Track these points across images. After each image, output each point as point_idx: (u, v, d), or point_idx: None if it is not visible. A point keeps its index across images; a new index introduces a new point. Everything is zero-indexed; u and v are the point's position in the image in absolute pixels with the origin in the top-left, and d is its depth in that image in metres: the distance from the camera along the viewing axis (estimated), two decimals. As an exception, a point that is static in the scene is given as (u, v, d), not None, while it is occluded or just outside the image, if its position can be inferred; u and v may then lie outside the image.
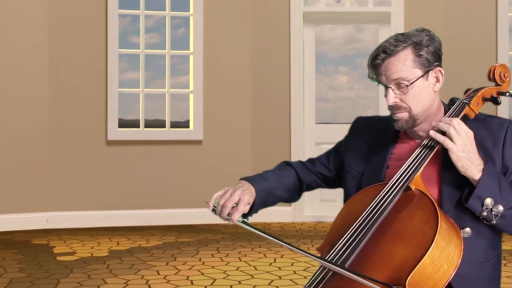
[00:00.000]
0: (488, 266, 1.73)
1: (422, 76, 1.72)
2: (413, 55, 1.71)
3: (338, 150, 1.99)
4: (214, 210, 1.75)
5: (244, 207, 1.74)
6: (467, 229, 1.67)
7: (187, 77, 6.08)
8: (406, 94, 1.71)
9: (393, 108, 1.74)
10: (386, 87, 1.73)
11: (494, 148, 1.71)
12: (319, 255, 1.68)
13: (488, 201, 1.61)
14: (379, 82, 1.75)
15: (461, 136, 1.62)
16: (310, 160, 2.03)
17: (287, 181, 1.95)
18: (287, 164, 2.01)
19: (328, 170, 2.00)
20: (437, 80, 1.75)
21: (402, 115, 1.74)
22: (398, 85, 1.71)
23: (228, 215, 1.71)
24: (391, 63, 1.71)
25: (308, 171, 2.00)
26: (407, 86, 1.70)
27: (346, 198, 1.92)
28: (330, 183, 2.03)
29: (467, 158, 1.62)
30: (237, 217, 1.71)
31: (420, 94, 1.73)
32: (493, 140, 1.72)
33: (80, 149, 5.79)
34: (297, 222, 5.99)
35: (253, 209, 1.82)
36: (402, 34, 1.74)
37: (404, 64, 1.70)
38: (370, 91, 6.69)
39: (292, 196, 1.99)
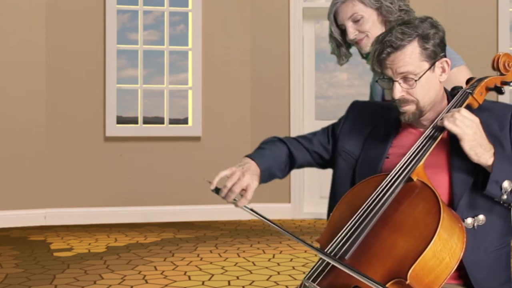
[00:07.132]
0: (505, 253, 1.71)
1: (429, 68, 1.68)
2: (419, 48, 1.67)
3: (334, 132, 1.94)
4: (217, 191, 1.67)
5: (252, 194, 1.68)
6: (481, 216, 1.66)
7: (186, 74, 6.04)
8: (413, 88, 1.68)
9: (400, 101, 1.70)
10: (392, 81, 1.68)
11: (501, 131, 1.70)
12: (318, 246, 1.65)
13: (506, 183, 1.59)
14: (384, 75, 1.70)
15: (467, 125, 1.60)
16: (305, 138, 1.95)
17: (282, 160, 1.89)
18: (280, 140, 1.93)
19: (326, 152, 1.93)
20: (443, 71, 1.72)
21: (409, 108, 1.71)
22: (405, 79, 1.67)
23: (234, 199, 1.66)
24: (398, 57, 1.67)
25: (303, 149, 1.92)
26: (415, 80, 1.66)
27: (334, 179, 1.89)
28: (323, 164, 1.96)
29: (479, 145, 1.60)
30: (244, 203, 1.66)
31: (427, 86, 1.69)
32: (499, 124, 1.71)
33: (78, 146, 5.75)
34: (297, 219, 5.96)
35: None
36: (406, 26, 1.68)
37: (411, 57, 1.66)
38: (370, 88, 6.65)
39: (282, 175, 1.91)
